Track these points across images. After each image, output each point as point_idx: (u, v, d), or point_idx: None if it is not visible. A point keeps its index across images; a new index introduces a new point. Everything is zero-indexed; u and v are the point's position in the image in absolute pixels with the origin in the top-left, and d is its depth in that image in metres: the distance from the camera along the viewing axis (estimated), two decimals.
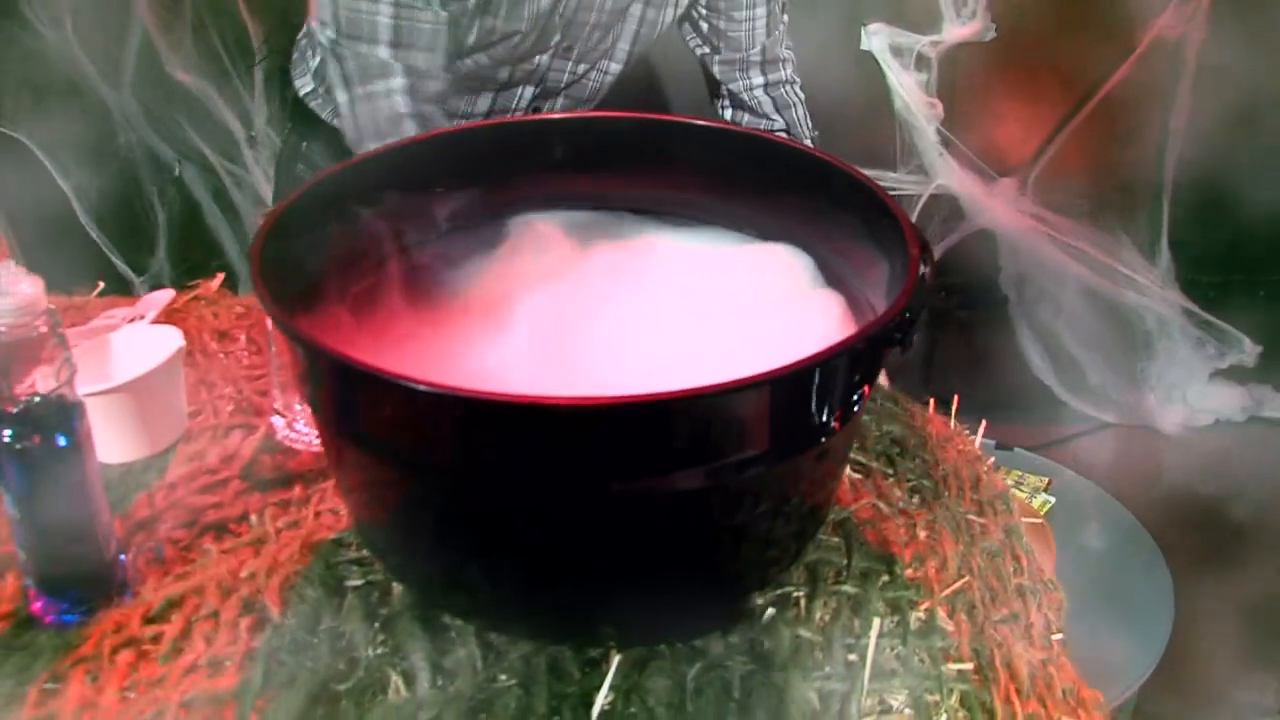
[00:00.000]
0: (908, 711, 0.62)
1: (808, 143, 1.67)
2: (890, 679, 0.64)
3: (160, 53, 2.69)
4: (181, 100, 2.67)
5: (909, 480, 0.85)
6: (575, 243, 0.79)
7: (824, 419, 0.62)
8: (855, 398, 0.63)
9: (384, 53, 1.37)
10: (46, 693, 0.68)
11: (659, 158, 0.82)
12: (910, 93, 2.75)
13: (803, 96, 1.77)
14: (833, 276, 0.79)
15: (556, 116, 0.98)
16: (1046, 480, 1.80)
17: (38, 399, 0.70)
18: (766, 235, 0.84)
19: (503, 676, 0.65)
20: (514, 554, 0.64)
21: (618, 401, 0.55)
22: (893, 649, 0.67)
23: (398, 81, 1.38)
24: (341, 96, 1.40)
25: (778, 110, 1.74)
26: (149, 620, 0.72)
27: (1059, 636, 0.80)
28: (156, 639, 0.70)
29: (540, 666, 0.65)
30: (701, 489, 0.61)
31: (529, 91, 1.61)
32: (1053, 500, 1.74)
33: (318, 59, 1.47)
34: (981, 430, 1.03)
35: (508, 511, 0.63)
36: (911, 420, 0.95)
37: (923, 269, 0.65)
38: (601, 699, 0.63)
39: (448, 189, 0.78)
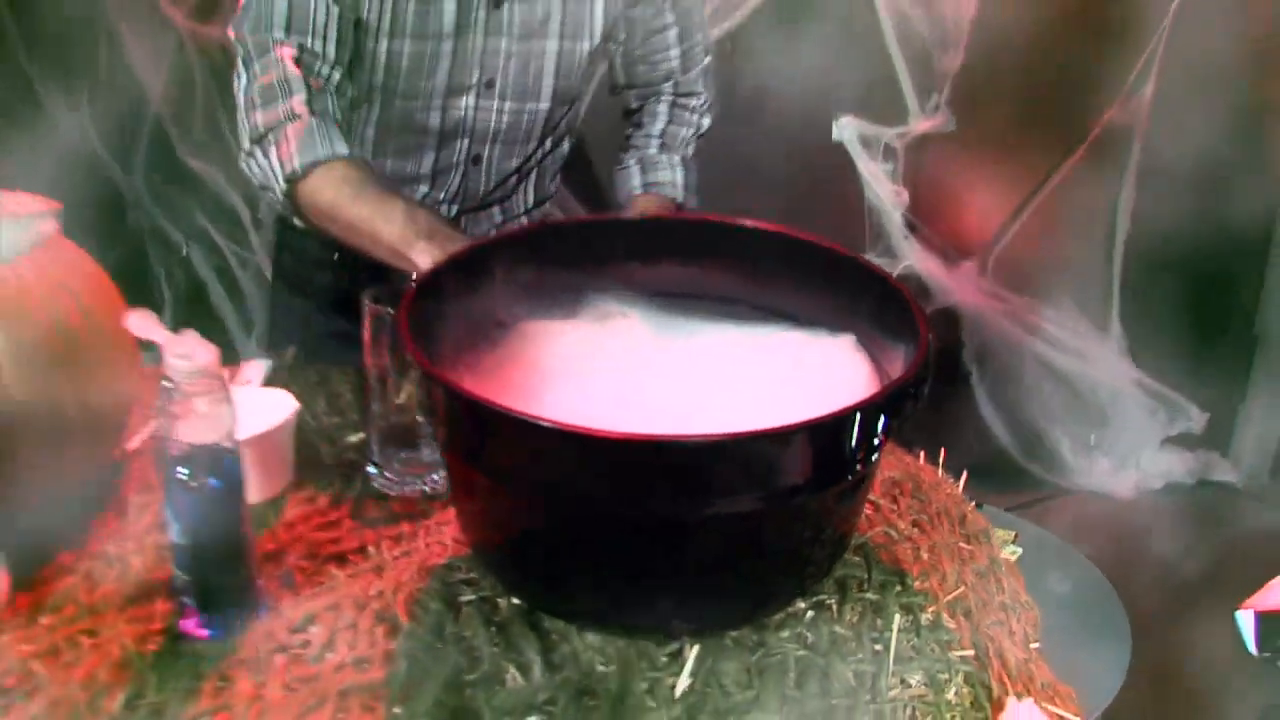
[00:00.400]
0: (924, 687, 0.80)
1: (688, 199, 1.76)
2: (909, 663, 0.82)
3: (172, 138, 2.83)
4: (190, 183, 2.82)
5: (910, 514, 1.03)
6: (646, 317, 0.98)
7: (855, 457, 0.80)
8: (878, 442, 0.82)
9: (279, 35, 1.43)
10: (219, 689, 0.83)
11: (714, 253, 1.02)
12: (878, 181, 2.91)
13: (689, 157, 1.83)
14: (859, 348, 0.98)
15: (631, 218, 1.16)
16: (1014, 533, 1.98)
17: (207, 445, 0.87)
18: (806, 317, 1.03)
19: (601, 666, 0.82)
20: (611, 565, 0.82)
21: (702, 439, 0.73)
22: (909, 641, 0.84)
23: (290, 52, 1.43)
24: (241, 79, 1.45)
25: (664, 165, 1.79)
26: (294, 631, 0.88)
27: (1036, 645, 0.98)
28: (305, 645, 0.86)
29: (632, 657, 0.82)
30: (759, 512, 0.79)
31: (465, 143, 1.65)
32: (1020, 550, 1.91)
33: (253, 159, 1.50)
34: (963, 478, 1.22)
35: (607, 530, 0.80)
36: (907, 467, 1.14)
37: (930, 341, 0.85)
38: (684, 681, 0.80)
39: (548, 272, 0.97)
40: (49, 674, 0.86)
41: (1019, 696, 0.80)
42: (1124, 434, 3.10)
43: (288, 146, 1.37)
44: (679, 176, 1.75)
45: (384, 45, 1.49)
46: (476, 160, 1.65)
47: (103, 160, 2.87)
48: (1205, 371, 3.14)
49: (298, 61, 1.42)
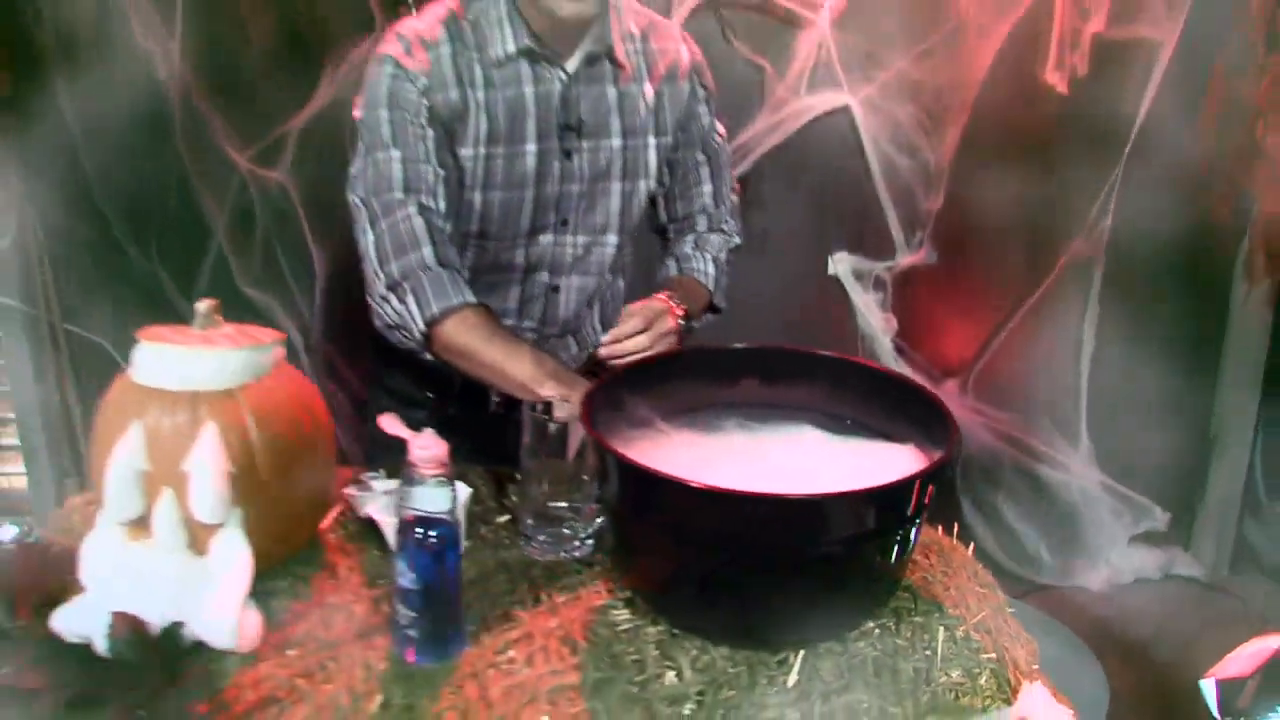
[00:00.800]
0: (963, 678, 1.14)
1: (717, 295, 1.98)
2: (950, 662, 1.17)
3: (232, 270, 3.15)
4: (248, 311, 3.07)
5: (939, 567, 1.38)
6: (754, 422, 1.36)
7: (910, 512, 1.16)
8: (926, 501, 1.18)
9: (398, 195, 1.72)
10: (452, 693, 1.16)
11: (805, 376, 1.40)
12: (869, 309, 3.25)
13: (721, 260, 2.03)
14: (898, 440, 1.35)
15: (740, 347, 1.52)
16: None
17: (437, 513, 1.21)
18: (867, 424, 1.40)
19: (731, 669, 1.16)
20: (739, 593, 1.16)
21: (812, 496, 1.09)
22: (949, 648, 1.19)
23: (412, 210, 1.71)
24: (369, 235, 1.75)
25: (698, 257, 2.00)
26: (498, 653, 1.21)
27: (1036, 666, 1.32)
28: (510, 662, 1.19)
29: (756, 661, 1.16)
30: (847, 552, 1.14)
31: (545, 275, 1.92)
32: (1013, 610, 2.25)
33: (388, 303, 1.76)
34: (971, 548, 1.57)
35: (737, 566, 1.15)
36: (932, 537, 1.49)
37: (959, 438, 1.22)
38: (793, 676, 1.14)
39: (684, 386, 1.35)
40: (309, 687, 1.18)
41: (1027, 681, 1.15)
42: (1095, 533, 3.38)
43: (424, 295, 1.70)
44: (710, 268, 1.99)
45: (479, 196, 1.80)
46: (555, 290, 1.93)
47: (165, 288, 3.17)
48: (1167, 475, 3.44)
49: (419, 217, 1.73)
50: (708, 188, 2.03)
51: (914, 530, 1.20)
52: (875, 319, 3.26)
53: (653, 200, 2.02)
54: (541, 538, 1.42)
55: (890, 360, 3.26)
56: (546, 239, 1.88)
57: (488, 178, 1.79)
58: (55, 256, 3.22)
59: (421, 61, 1.72)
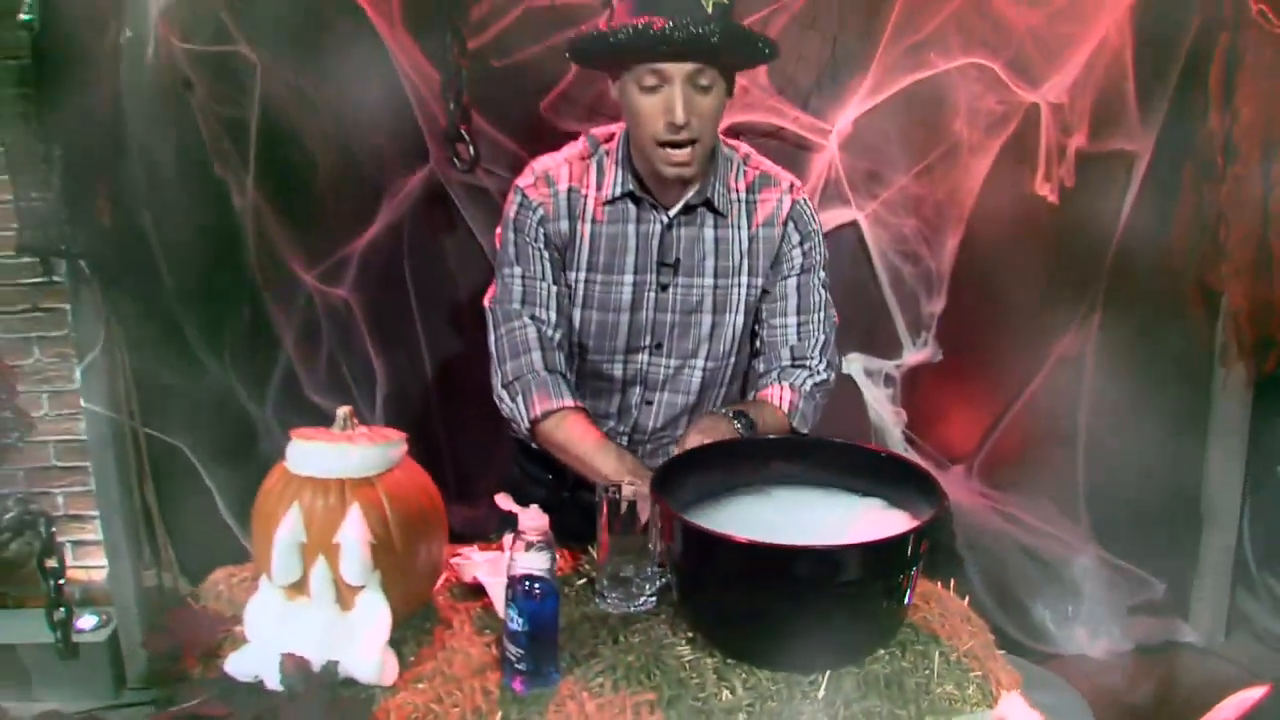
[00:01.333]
0: (955, 689, 1.50)
1: (793, 417, 2.12)
2: (945, 678, 1.52)
3: (300, 378, 3.51)
4: (316, 417, 3.38)
5: (936, 610, 1.74)
6: (777, 493, 1.73)
7: (908, 557, 1.53)
8: (922, 550, 1.54)
9: (516, 306, 2.10)
10: (557, 709, 1.51)
11: (821, 460, 1.78)
12: (880, 403, 3.58)
13: (803, 389, 2.16)
14: (899, 506, 1.72)
15: (773, 439, 1.92)
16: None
17: (540, 571, 1.57)
18: (873, 493, 1.77)
19: (773, 687, 1.51)
20: (780, 626, 1.52)
21: (835, 546, 1.46)
22: (943, 668, 1.55)
23: (527, 320, 2.08)
24: (492, 337, 2.12)
25: (776, 386, 2.15)
26: (590, 681, 1.57)
27: (1017, 689, 1.67)
28: (600, 686, 1.55)
29: (792, 680, 1.51)
30: (871, 589, 1.51)
31: (640, 389, 2.23)
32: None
33: (503, 401, 2.13)
34: (966, 599, 1.92)
35: (777, 605, 1.51)
36: (931, 588, 1.85)
37: (947, 503, 1.59)
38: (822, 690, 1.49)
39: (728, 468, 1.73)
40: (441, 710, 1.54)
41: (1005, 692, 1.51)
42: (1096, 604, 3.66)
43: (531, 396, 2.06)
44: (787, 394, 2.14)
45: (579, 314, 2.15)
46: (649, 403, 2.24)
47: (238, 395, 3.53)
48: (1162, 549, 3.74)
49: (531, 327, 2.09)
50: (792, 320, 2.19)
51: (912, 574, 1.56)
52: (886, 412, 3.60)
53: (752, 333, 2.25)
54: (615, 595, 1.78)
55: (901, 449, 3.57)
56: (641, 358, 2.20)
57: (586, 300, 2.14)
58: (137, 366, 3.61)
59: (543, 194, 2.09)
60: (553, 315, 2.11)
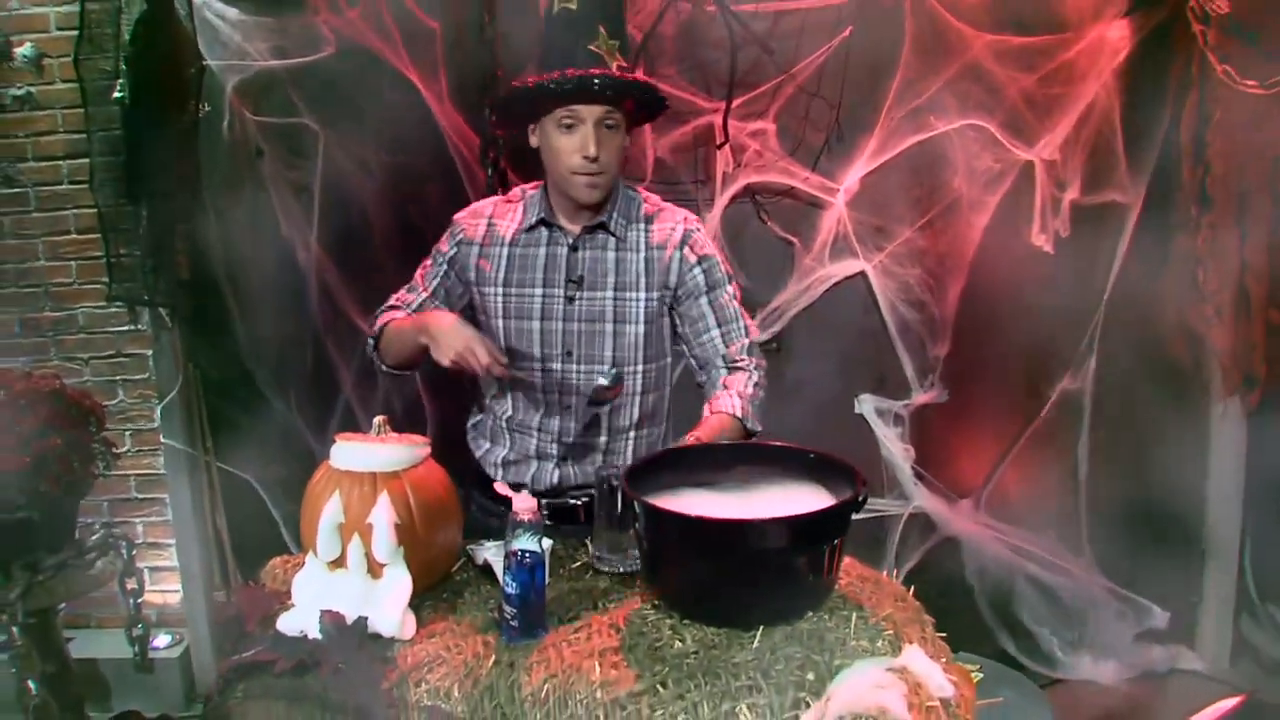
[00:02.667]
0: (867, 641, 1.85)
1: (748, 420, 2.41)
2: (860, 634, 1.87)
3: (358, 418, 3.86)
4: None
5: (868, 588, 2.10)
6: (728, 484, 2.12)
7: (836, 528, 1.90)
8: (844, 524, 1.91)
9: (391, 301, 2.63)
10: (540, 651, 1.89)
11: (762, 458, 2.16)
12: (891, 441, 3.87)
13: (748, 392, 2.46)
14: (829, 489, 2.08)
15: (723, 445, 2.30)
16: (978, 664, 2.87)
17: (531, 547, 1.96)
18: (807, 478, 2.14)
19: (715, 637, 1.88)
20: (726, 588, 1.89)
21: (774, 519, 1.84)
22: (860, 627, 1.90)
23: (391, 303, 2.62)
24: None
25: (725, 396, 2.44)
26: (571, 634, 1.95)
27: (931, 646, 2.02)
28: (576, 639, 1.92)
29: (733, 634, 1.87)
30: (795, 557, 1.87)
31: (557, 396, 2.52)
32: (982, 674, 2.81)
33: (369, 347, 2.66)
34: (912, 590, 2.26)
35: (725, 570, 1.89)
36: (877, 577, 2.21)
37: (865, 487, 1.96)
38: (757, 640, 1.86)
39: (685, 468, 2.12)
40: (448, 655, 1.93)
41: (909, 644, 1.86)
42: (1102, 633, 3.90)
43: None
44: (736, 401, 2.43)
45: (500, 324, 2.54)
46: (567, 408, 2.54)
47: (302, 433, 3.95)
48: (1166, 578, 3.95)
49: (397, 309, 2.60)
50: (716, 333, 2.53)
51: (834, 545, 1.92)
52: (896, 449, 3.91)
53: (682, 354, 2.62)
54: (608, 558, 2.18)
55: (910, 485, 3.90)
56: (555, 366, 2.52)
57: (505, 310, 2.54)
58: (211, 406, 4.06)
59: (469, 223, 2.60)
60: (411, 308, 2.62)
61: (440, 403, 3.97)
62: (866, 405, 3.91)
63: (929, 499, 3.94)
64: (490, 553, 2.23)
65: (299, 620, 2.03)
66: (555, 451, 2.60)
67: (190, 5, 3.53)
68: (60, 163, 3.97)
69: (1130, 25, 3.70)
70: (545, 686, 1.80)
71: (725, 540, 1.88)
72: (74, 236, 4.03)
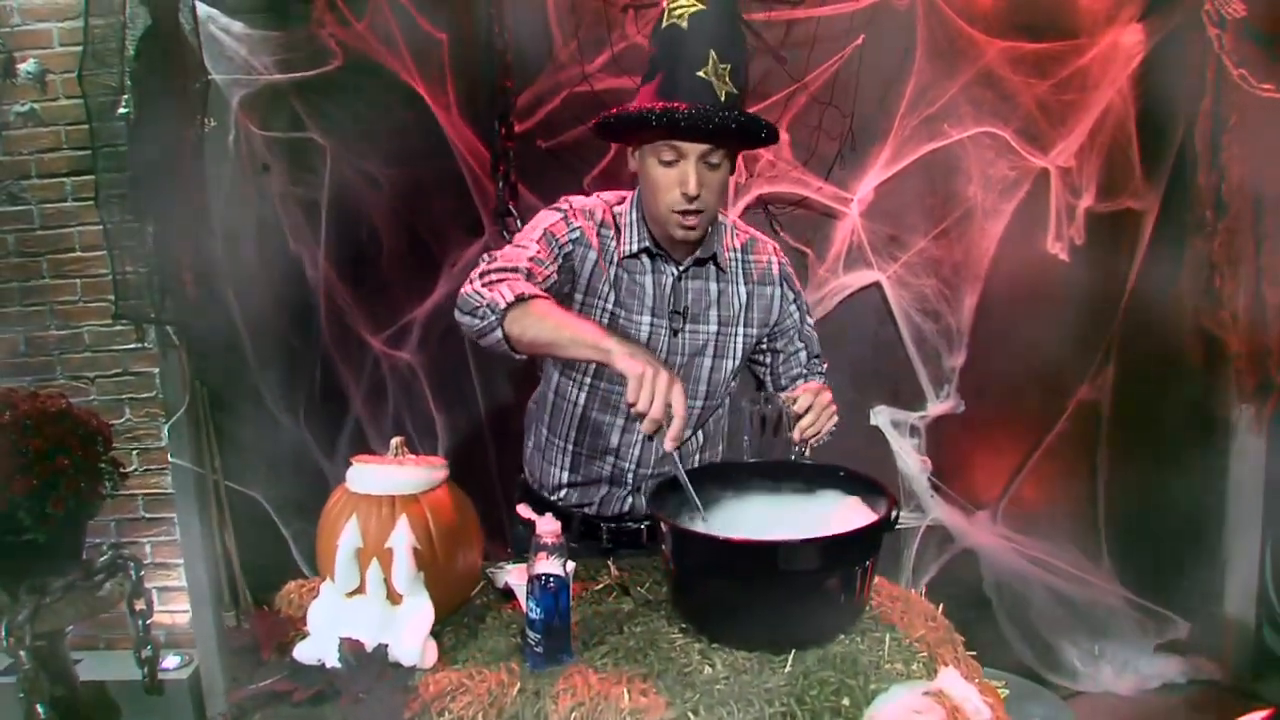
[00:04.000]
0: (901, 665, 1.81)
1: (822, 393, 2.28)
2: (895, 655, 1.84)
3: (367, 435, 3.85)
4: None
5: (899, 607, 2.06)
6: (757, 495, 2.07)
7: (868, 549, 1.85)
8: (876, 544, 1.87)
9: (519, 265, 2.22)
10: (566, 678, 1.85)
11: (793, 474, 2.11)
12: (907, 453, 3.85)
13: (821, 370, 2.52)
14: (866, 504, 2.04)
15: (753, 463, 2.24)
16: (1004, 680, 2.86)
17: (554, 570, 1.92)
18: (833, 490, 2.10)
19: (746, 661, 1.84)
20: (751, 608, 1.85)
21: (806, 539, 1.79)
22: (894, 649, 1.86)
23: (524, 264, 2.21)
24: (477, 270, 2.21)
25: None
26: (598, 659, 1.90)
27: (967, 668, 1.97)
28: (605, 663, 1.88)
29: (764, 658, 1.83)
30: (827, 579, 1.83)
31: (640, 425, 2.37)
32: (1008, 690, 2.80)
33: (476, 291, 2.18)
34: (940, 608, 2.22)
35: (748, 589, 1.84)
36: (906, 595, 2.16)
37: (899, 505, 1.92)
38: (789, 665, 1.81)
39: (711, 484, 2.07)
40: (471, 684, 1.88)
41: (946, 665, 1.81)
42: (1120, 645, 3.88)
43: (511, 285, 2.14)
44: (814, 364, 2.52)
45: None
46: (650, 439, 2.49)
47: (311, 450, 3.92)
48: (1186, 588, 3.95)
49: (524, 276, 2.20)
50: (803, 356, 2.56)
51: (874, 561, 1.88)
52: (913, 461, 3.88)
53: (759, 382, 2.59)
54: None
55: (927, 497, 3.87)
56: None
57: (611, 328, 2.26)
58: (219, 424, 4.02)
59: (584, 223, 2.38)
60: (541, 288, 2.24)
61: (451, 415, 3.97)
62: (882, 417, 3.89)
63: (946, 511, 3.92)
64: (511, 576, 2.18)
65: (316, 648, 1.98)
66: (631, 481, 2.55)
67: (195, 20, 3.48)
68: (64, 180, 3.92)
69: (1144, 30, 3.68)
70: (573, 715, 1.75)
71: (755, 562, 1.83)
72: (78, 254, 3.98)
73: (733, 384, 2.56)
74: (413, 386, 3.93)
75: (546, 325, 2.09)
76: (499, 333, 2.13)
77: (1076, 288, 3.85)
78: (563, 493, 2.60)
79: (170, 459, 4.04)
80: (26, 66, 3.75)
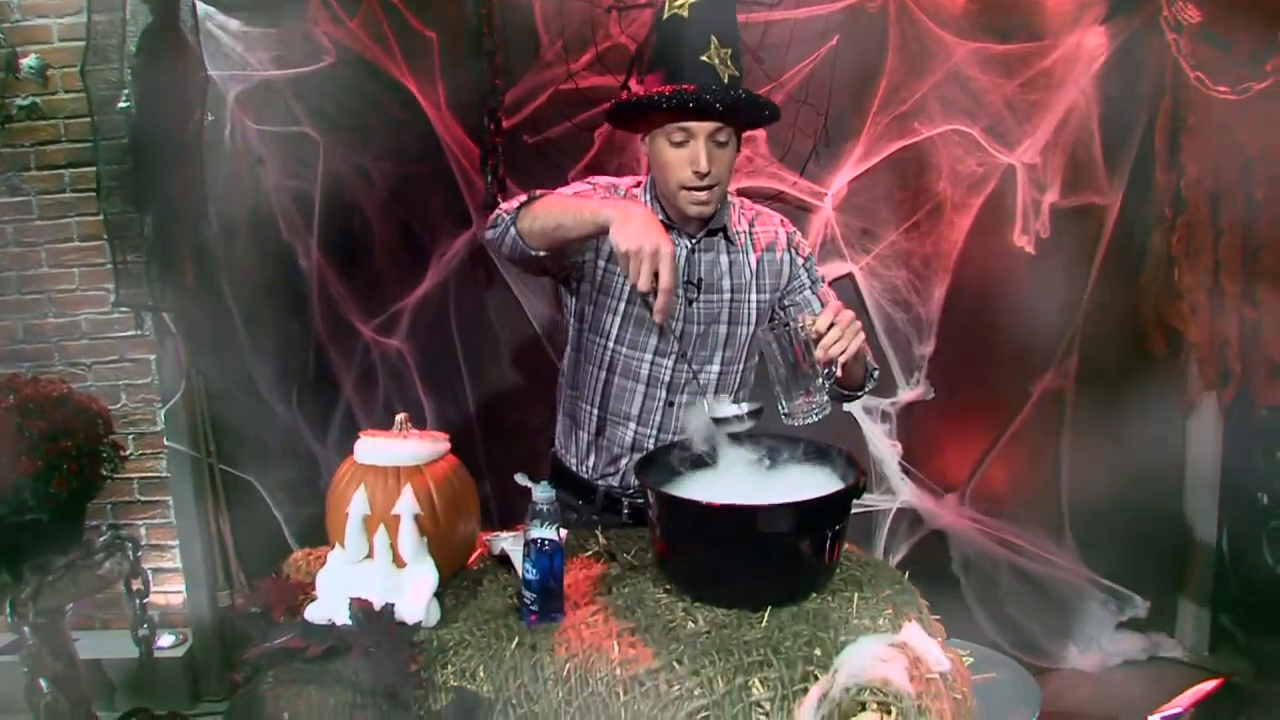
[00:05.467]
0: (869, 620, 1.98)
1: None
2: (861, 613, 2.00)
3: (358, 419, 3.99)
4: None
5: (868, 570, 2.23)
6: (742, 465, 2.24)
7: (839, 513, 2.03)
8: (846, 510, 2.04)
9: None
10: (561, 632, 2.01)
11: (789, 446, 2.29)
12: (879, 438, 4.01)
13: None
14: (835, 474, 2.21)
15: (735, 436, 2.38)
16: (969, 650, 3.03)
17: (547, 535, 2.08)
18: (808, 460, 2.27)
19: (726, 617, 2.00)
20: (731, 568, 2.02)
21: (778, 504, 1.97)
22: (861, 607, 2.03)
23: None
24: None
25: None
26: (589, 617, 2.07)
27: (928, 626, 2.14)
28: (594, 622, 2.04)
29: (742, 615, 2.00)
30: (799, 540, 2.00)
31: (663, 391, 2.59)
32: (973, 659, 2.95)
33: (503, 212, 2.43)
34: (906, 574, 2.39)
35: (728, 550, 2.01)
36: (873, 560, 2.34)
37: (864, 474, 2.09)
38: (765, 620, 1.98)
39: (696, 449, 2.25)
40: (471, 639, 2.04)
41: (908, 622, 1.99)
42: (1084, 622, 4.05)
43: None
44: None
45: (621, 306, 2.54)
46: (671, 405, 2.61)
47: (303, 435, 4.05)
48: (1147, 568, 4.11)
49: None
50: (817, 304, 2.64)
51: (835, 531, 2.05)
52: (884, 445, 4.04)
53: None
54: (799, 404, 2.26)
55: (898, 480, 4.04)
56: (666, 362, 2.58)
57: (631, 295, 2.52)
58: (214, 410, 4.15)
59: (605, 194, 2.52)
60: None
61: (440, 401, 4.12)
62: (854, 403, 3.97)
63: (916, 493, 4.07)
64: (507, 543, 2.35)
65: (326, 610, 2.13)
66: (652, 447, 2.64)
67: (195, 16, 3.62)
68: (63, 171, 4.05)
69: (1107, 33, 3.85)
70: (567, 665, 1.90)
71: (735, 525, 2.00)
72: (76, 244, 4.11)
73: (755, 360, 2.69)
74: (402, 373, 4.06)
75: (552, 212, 2.31)
76: (513, 230, 2.36)
77: (1042, 279, 4.00)
78: (591, 462, 2.74)
79: (166, 443, 4.18)
80: (29, 62, 3.88)
